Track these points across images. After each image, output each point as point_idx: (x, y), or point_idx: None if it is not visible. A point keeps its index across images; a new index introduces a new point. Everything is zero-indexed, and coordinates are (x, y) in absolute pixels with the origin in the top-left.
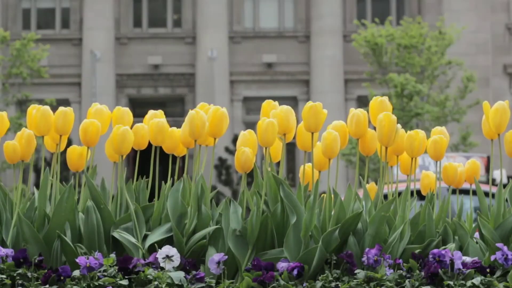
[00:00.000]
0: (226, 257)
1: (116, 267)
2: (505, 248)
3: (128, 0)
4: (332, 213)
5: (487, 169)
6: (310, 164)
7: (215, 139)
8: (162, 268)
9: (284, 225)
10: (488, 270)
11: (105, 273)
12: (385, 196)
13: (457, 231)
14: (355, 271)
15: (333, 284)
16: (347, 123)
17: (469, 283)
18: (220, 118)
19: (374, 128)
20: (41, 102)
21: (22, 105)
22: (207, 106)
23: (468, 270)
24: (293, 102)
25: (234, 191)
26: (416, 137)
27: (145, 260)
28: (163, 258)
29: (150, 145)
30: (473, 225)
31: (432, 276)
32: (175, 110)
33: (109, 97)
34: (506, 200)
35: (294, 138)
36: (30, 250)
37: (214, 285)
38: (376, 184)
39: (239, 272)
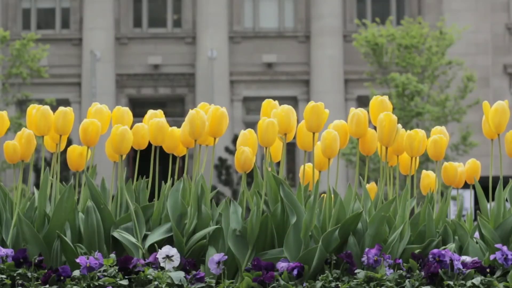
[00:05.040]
0: (226, 257)
1: (116, 267)
2: (505, 248)
3: (128, 0)
4: (332, 213)
5: None
6: (310, 164)
7: (215, 139)
8: (162, 268)
9: (284, 225)
10: (488, 270)
11: (105, 273)
12: None
13: (457, 231)
14: (355, 271)
15: (333, 284)
16: (348, 123)
17: (469, 283)
18: (220, 118)
19: (375, 128)
20: (41, 102)
21: (22, 105)
22: (208, 106)
23: (468, 270)
24: (293, 102)
25: (234, 191)
26: (415, 137)
27: (145, 260)
28: (163, 258)
29: (150, 145)
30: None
31: (432, 276)
32: (175, 110)
33: (109, 97)
34: (506, 200)
35: (294, 138)
36: (30, 250)
37: (214, 285)
38: (376, 184)
39: (239, 272)
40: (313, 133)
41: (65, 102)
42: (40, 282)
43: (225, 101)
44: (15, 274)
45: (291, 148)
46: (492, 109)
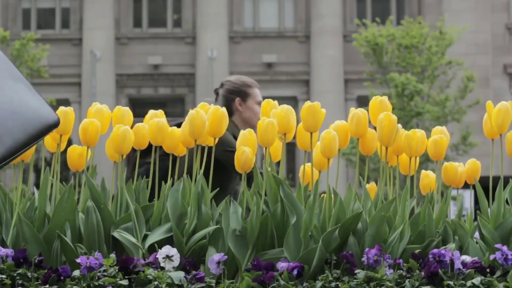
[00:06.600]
0: (226, 257)
1: (116, 267)
2: (505, 248)
3: (128, 0)
4: (332, 213)
5: None
6: (310, 164)
7: (215, 139)
8: (162, 268)
9: (284, 225)
10: (488, 270)
11: (105, 273)
12: None
13: (457, 231)
14: (355, 271)
15: (333, 284)
16: (348, 123)
17: (469, 283)
18: (220, 118)
19: (375, 128)
20: None
21: None
22: (207, 106)
23: (468, 270)
24: (293, 102)
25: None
26: (414, 137)
27: (145, 260)
28: (163, 258)
29: (150, 144)
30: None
31: (432, 276)
32: (175, 110)
33: (109, 97)
34: (506, 201)
35: (294, 137)
36: (30, 250)
37: (214, 285)
38: (376, 184)
39: (239, 272)
40: (311, 133)
41: (65, 102)
42: (40, 282)
43: None
44: (15, 274)
45: (291, 148)
46: (496, 110)
